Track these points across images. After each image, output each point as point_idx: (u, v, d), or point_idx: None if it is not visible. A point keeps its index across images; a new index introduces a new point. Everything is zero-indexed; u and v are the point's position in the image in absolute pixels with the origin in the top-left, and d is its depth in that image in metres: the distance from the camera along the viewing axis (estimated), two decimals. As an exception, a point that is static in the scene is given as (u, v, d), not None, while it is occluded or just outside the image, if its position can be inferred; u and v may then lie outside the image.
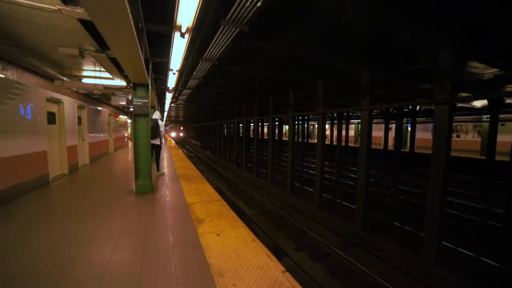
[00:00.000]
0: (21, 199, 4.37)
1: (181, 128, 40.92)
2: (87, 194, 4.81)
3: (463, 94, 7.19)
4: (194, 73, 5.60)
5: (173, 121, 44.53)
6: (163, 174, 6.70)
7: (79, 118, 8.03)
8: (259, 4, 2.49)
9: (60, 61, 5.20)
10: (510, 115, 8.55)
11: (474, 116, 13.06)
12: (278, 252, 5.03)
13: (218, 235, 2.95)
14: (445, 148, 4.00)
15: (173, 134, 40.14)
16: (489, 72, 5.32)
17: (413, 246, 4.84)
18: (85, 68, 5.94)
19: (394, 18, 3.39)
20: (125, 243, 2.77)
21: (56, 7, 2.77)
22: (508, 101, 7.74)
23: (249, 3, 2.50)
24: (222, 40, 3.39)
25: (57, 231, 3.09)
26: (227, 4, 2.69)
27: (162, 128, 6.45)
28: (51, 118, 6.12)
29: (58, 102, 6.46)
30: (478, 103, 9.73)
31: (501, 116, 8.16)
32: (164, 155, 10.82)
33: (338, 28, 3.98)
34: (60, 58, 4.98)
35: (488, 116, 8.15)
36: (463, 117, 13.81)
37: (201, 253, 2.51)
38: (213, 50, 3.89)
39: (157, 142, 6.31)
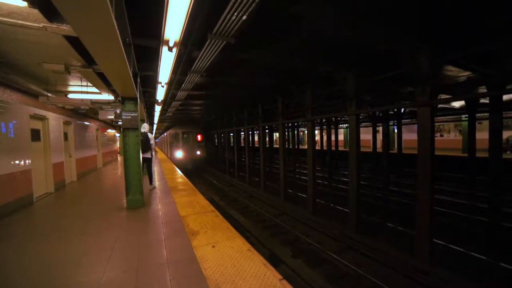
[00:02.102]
0: (2, 222, 4.16)
1: (198, 137, 17.93)
2: (75, 212, 4.64)
3: (443, 96, 7.57)
4: (183, 85, 5.64)
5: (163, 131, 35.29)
6: (154, 187, 6.58)
7: (66, 134, 7.83)
8: (244, 17, 2.59)
9: (45, 77, 5.11)
10: (485, 114, 9.06)
11: (454, 116, 13.71)
12: (274, 260, 4.99)
13: (213, 246, 2.92)
14: (429, 147, 4.18)
15: (179, 154, 17.26)
16: (463, 75, 5.65)
17: (407, 245, 4.92)
18: (71, 83, 5.86)
19: (375, 29, 3.60)
20: (117, 260, 2.68)
21: (41, 25, 2.76)
22: (482, 101, 8.20)
23: (234, 16, 2.59)
24: (209, 52, 3.47)
25: (43, 253, 2.96)
26: (214, 18, 2.78)
27: (152, 141, 6.39)
28: (35, 135, 5.94)
29: (42, 118, 6.30)
30: (456, 104, 10.25)
31: (478, 115, 8.61)
32: (155, 168, 10.62)
33: (322, 39, 4.17)
34: (45, 74, 4.90)
35: (467, 115, 8.59)
36: (444, 117, 14.45)
37: (196, 266, 2.47)
38: (201, 62, 3.96)
39: (148, 155, 6.24)
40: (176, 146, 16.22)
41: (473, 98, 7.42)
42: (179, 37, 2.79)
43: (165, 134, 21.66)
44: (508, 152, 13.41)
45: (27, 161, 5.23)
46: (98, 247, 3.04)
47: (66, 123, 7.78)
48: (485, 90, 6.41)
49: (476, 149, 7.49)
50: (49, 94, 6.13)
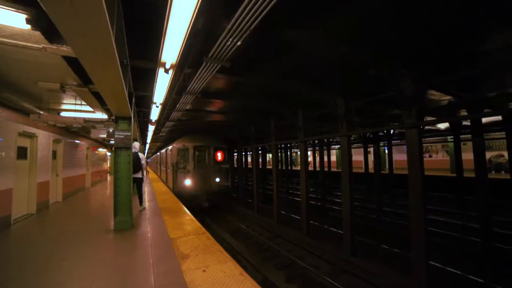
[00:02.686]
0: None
1: (218, 155, 11.03)
2: (57, 235, 4.38)
3: (429, 118, 7.93)
4: (177, 105, 5.72)
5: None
6: (144, 208, 6.34)
7: (54, 152, 7.63)
8: (239, 43, 2.75)
9: (38, 95, 5.12)
10: (468, 136, 9.51)
11: (441, 137, 14.24)
12: (268, 286, 4.75)
13: (204, 270, 2.78)
14: (418, 166, 4.28)
15: (188, 183, 10.13)
16: (445, 99, 6.00)
17: (403, 267, 4.81)
18: (65, 101, 5.86)
19: (362, 56, 3.86)
20: (101, 286, 2.50)
21: (41, 46, 2.84)
22: (464, 123, 8.62)
23: (229, 42, 2.75)
24: (204, 75, 3.60)
25: (16, 282, 2.73)
26: (210, 43, 2.94)
27: (143, 161, 6.28)
28: (22, 153, 5.77)
29: (31, 136, 6.18)
30: (442, 126, 10.70)
31: (462, 136, 9.00)
32: (146, 189, 10.33)
33: (313, 63, 4.42)
34: (39, 92, 4.91)
35: (452, 137, 8.95)
36: (432, 138, 14.98)
37: (185, 293, 2.33)
38: (196, 84, 4.08)
39: (138, 175, 6.10)
40: (183, 169, 9.97)
41: (455, 120, 7.79)
42: (175, 60, 2.91)
43: (163, 151, 14.66)
44: (493, 172, 13.81)
45: (8, 180, 5.01)
46: (80, 273, 2.84)
47: (56, 141, 7.63)
48: (466, 113, 6.78)
49: (463, 169, 7.70)
50: (41, 112, 6.09)
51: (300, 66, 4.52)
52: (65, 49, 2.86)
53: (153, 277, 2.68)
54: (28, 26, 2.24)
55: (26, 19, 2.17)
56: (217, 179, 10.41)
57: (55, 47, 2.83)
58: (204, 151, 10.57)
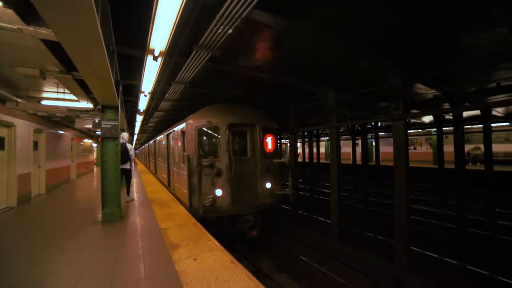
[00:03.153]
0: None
1: (268, 142, 5.72)
2: (40, 229, 4.26)
3: (414, 111, 8.17)
4: (166, 95, 5.58)
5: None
6: (132, 199, 6.26)
7: (35, 143, 7.30)
8: (230, 31, 2.68)
9: (15, 81, 4.81)
10: (450, 128, 9.94)
11: (425, 130, 14.77)
12: (259, 275, 4.88)
13: (194, 259, 2.81)
14: (404, 157, 4.45)
15: (220, 193, 5.10)
16: (431, 92, 6.20)
17: (386, 253, 5.06)
18: (46, 89, 5.56)
19: (351, 49, 3.88)
20: (89, 279, 2.49)
21: (15, 26, 2.63)
22: (447, 117, 8.98)
23: (220, 30, 2.68)
24: (194, 63, 3.51)
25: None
26: (200, 31, 2.85)
27: (131, 152, 6.14)
28: (-1, 143, 5.49)
29: (9, 125, 5.87)
30: (426, 119, 11.09)
31: (445, 129, 9.37)
32: (134, 180, 10.15)
33: (304, 57, 4.40)
34: (16, 78, 4.62)
35: (435, 129, 9.31)
36: (416, 131, 15.51)
37: (177, 281, 2.36)
38: (185, 73, 3.98)
39: (127, 166, 5.97)
40: (209, 169, 5.26)
41: (439, 113, 8.10)
42: (164, 47, 2.81)
43: (161, 137, 9.91)
44: (470, 163, 14.58)
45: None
46: (65, 267, 2.79)
47: (37, 131, 7.28)
48: (449, 107, 7.05)
49: (444, 161, 8.08)
50: (19, 100, 5.76)
51: (291, 58, 4.49)
52: (44, 32, 2.68)
53: (144, 267, 2.68)
54: (-1, 3, 2.07)
55: (-4, -5, 2.01)
56: (268, 185, 5.67)
57: (32, 29, 2.64)
58: (246, 134, 5.74)
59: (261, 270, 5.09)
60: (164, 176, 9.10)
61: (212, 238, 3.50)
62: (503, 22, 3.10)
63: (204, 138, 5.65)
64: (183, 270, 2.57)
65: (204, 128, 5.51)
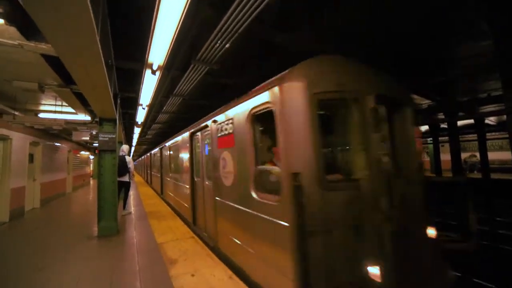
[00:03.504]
0: None
1: None
2: (34, 244, 4.13)
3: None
4: (164, 107, 5.62)
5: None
6: (130, 213, 6.14)
7: (31, 156, 7.22)
8: (227, 46, 2.75)
9: (12, 94, 4.82)
10: (445, 138, 10.03)
11: (422, 139, 14.96)
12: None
13: (192, 275, 2.73)
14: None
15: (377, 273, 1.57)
16: (425, 102, 6.32)
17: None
18: (43, 102, 5.58)
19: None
20: (82, 298, 2.39)
21: (16, 42, 2.67)
22: (442, 126, 9.13)
23: (218, 44, 2.75)
24: (192, 77, 3.57)
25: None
26: (198, 45, 2.92)
27: (130, 165, 6.07)
28: (-6, 157, 5.42)
29: (4, 139, 5.82)
30: (422, 128, 11.24)
31: (440, 138, 9.48)
32: (131, 192, 10.03)
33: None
34: (13, 91, 4.63)
35: (431, 138, 9.42)
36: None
37: (173, 299, 2.28)
38: (183, 86, 4.03)
39: (125, 179, 5.90)
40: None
41: (434, 123, 8.22)
42: (163, 61, 2.87)
43: (178, 139, 6.21)
44: (468, 172, 14.64)
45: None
46: (59, 283, 2.70)
47: (33, 144, 7.23)
48: (443, 117, 7.17)
49: (442, 170, 8.11)
50: (16, 113, 5.75)
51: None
52: (44, 47, 2.72)
53: (140, 284, 2.59)
54: (1, 21, 2.12)
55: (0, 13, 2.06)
56: (431, 232, 2.38)
57: (33, 44, 2.68)
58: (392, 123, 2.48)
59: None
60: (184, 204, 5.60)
61: (211, 253, 3.42)
62: (487, 36, 3.24)
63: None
64: (181, 286, 2.49)
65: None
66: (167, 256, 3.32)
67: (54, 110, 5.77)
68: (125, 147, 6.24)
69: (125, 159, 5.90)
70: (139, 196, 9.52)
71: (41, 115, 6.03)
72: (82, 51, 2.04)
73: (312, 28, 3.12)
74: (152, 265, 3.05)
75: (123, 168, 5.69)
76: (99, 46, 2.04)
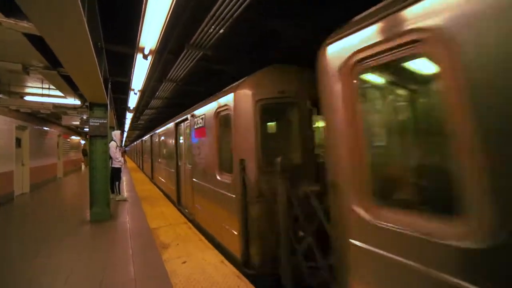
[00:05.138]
0: None
1: None
2: (25, 230, 4.13)
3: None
4: (157, 93, 5.50)
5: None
6: (124, 199, 6.10)
7: (18, 140, 7.03)
8: (221, 31, 2.67)
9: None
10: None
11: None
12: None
13: (185, 260, 2.80)
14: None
15: None
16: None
17: None
18: (29, 84, 5.36)
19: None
20: (76, 282, 2.44)
21: (-9, 17, 2.50)
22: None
23: (212, 29, 2.66)
24: (186, 62, 3.47)
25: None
26: (191, 29, 2.82)
27: (112, 149, 5.81)
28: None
29: (-12, 122, 5.63)
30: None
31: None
32: (124, 178, 9.98)
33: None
34: (-4, 73, 4.42)
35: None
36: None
37: (166, 282, 2.35)
38: (176, 71, 3.93)
39: (116, 165, 5.83)
40: None
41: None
42: (155, 45, 2.77)
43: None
44: None
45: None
46: (53, 269, 2.72)
47: (19, 128, 7.01)
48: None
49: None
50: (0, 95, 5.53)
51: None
52: (26, 25, 2.56)
53: (133, 268, 2.65)
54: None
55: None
56: None
57: (12, 21, 2.51)
58: None
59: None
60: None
61: (203, 238, 3.50)
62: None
63: None
64: (173, 270, 2.56)
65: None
66: (160, 240, 3.38)
67: (41, 93, 5.56)
68: (117, 133, 6.09)
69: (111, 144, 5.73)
70: (132, 181, 9.50)
71: (27, 98, 5.81)
72: (67, 31, 1.95)
73: (307, 16, 3.04)
74: (145, 250, 3.11)
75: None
76: (86, 26, 1.94)
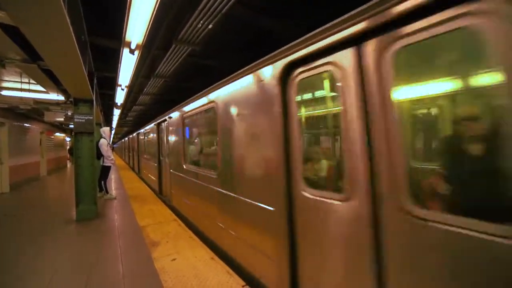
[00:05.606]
0: None
1: None
2: (6, 230, 3.96)
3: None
4: (145, 89, 5.37)
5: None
6: (112, 197, 5.94)
7: (-3, 138, 6.71)
8: (210, 26, 2.63)
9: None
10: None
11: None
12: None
13: (174, 257, 2.79)
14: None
15: None
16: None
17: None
18: (5, 78, 5.08)
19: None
20: (60, 283, 2.38)
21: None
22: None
23: (200, 24, 2.62)
24: (174, 58, 3.41)
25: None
26: (180, 24, 2.77)
27: (104, 147, 5.69)
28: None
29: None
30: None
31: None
32: (112, 176, 9.71)
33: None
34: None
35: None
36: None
37: (156, 279, 2.33)
38: (164, 67, 3.85)
39: (106, 163, 5.67)
40: None
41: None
42: (142, 40, 2.70)
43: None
44: None
45: None
46: (35, 270, 2.64)
47: (-2, 125, 6.68)
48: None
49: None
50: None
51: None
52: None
53: (122, 266, 2.62)
54: None
55: None
56: None
57: (-19, 9, 2.37)
58: None
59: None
60: None
61: (193, 235, 3.48)
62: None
63: None
64: (163, 267, 2.55)
65: None
66: (149, 238, 3.34)
67: (20, 88, 5.28)
68: (106, 129, 5.90)
69: (98, 142, 5.60)
70: (121, 179, 9.29)
71: (4, 92, 5.51)
72: (45, 22, 1.85)
73: (296, 14, 3.05)
74: (134, 248, 3.07)
75: (97, 151, 5.43)
76: (67, 17, 1.86)
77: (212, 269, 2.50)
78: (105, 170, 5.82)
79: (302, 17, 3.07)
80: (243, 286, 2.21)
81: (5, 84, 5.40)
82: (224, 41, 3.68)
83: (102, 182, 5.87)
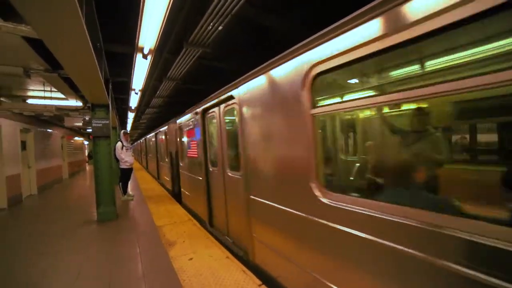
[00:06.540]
0: None
1: None
2: (35, 230, 4.21)
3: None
4: (158, 92, 5.50)
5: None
6: (130, 198, 6.13)
7: (23, 143, 7.12)
8: (220, 27, 2.65)
9: (-3, 80, 4.62)
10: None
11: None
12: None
13: (191, 256, 2.85)
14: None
15: None
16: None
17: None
18: (31, 88, 5.38)
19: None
20: (86, 280, 2.50)
21: (-9, 22, 2.51)
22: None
23: (210, 26, 2.64)
24: (185, 61, 3.46)
25: (-2, 277, 2.65)
26: (190, 27, 2.80)
27: (117, 150, 5.78)
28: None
29: (-6, 126, 5.68)
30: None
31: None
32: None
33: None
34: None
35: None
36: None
37: (174, 278, 2.39)
38: (176, 70, 3.92)
39: (123, 166, 5.85)
40: None
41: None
42: (154, 44, 2.76)
43: None
44: None
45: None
46: (63, 267, 2.80)
47: (24, 131, 7.08)
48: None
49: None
50: (2, 99, 5.56)
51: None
52: (24, 29, 2.57)
53: (141, 265, 2.70)
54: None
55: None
56: None
57: (11, 25, 2.52)
58: None
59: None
60: None
61: (208, 235, 3.54)
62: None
63: None
64: (180, 267, 2.61)
65: None
66: (166, 238, 3.43)
67: (43, 96, 5.58)
68: (120, 133, 6.08)
69: (114, 146, 5.74)
70: (137, 180, 9.59)
71: (30, 101, 5.84)
72: (66, 33, 1.95)
73: (303, 13, 3.00)
74: (152, 248, 3.17)
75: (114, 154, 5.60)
76: (85, 27, 1.94)
77: (228, 268, 2.53)
78: (122, 173, 6.01)
79: (309, 16, 3.02)
80: (259, 285, 2.22)
81: (30, 93, 5.74)
82: (234, 41, 3.69)
83: (120, 183, 6.08)
